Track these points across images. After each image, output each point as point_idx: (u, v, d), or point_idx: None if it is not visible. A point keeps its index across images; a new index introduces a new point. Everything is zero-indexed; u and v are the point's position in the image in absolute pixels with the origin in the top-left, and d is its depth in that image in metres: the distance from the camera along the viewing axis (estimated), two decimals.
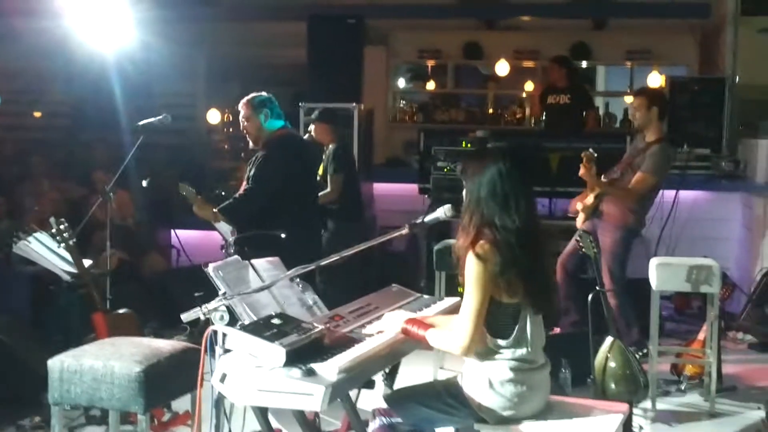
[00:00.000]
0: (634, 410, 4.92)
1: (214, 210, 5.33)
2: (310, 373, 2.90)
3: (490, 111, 12.25)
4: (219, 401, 3.29)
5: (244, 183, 5.47)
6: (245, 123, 5.54)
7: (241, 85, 11.21)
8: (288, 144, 5.55)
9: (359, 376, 3.16)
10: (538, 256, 3.41)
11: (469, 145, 7.94)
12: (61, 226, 5.07)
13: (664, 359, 5.77)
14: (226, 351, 3.12)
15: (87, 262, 5.28)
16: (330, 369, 2.94)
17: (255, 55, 11.88)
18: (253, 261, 3.81)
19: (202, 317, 3.20)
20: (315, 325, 3.23)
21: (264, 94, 5.59)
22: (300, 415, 3.83)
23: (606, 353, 4.96)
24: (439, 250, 6.15)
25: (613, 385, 4.89)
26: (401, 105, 12.51)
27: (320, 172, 7.10)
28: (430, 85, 12.55)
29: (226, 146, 12.23)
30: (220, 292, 3.35)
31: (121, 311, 5.30)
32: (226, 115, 12.08)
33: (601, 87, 13.57)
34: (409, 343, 3.47)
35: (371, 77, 9.80)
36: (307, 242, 5.42)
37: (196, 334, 5.71)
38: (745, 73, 9.64)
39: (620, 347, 4.97)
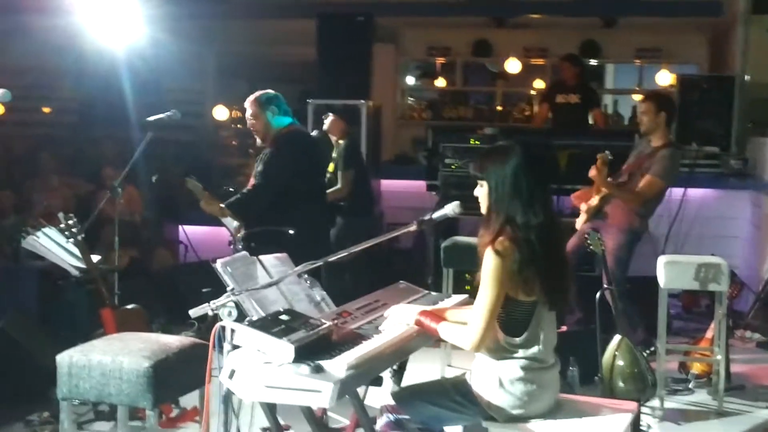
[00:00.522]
0: (643, 409, 4.92)
1: (221, 205, 5.34)
2: (318, 370, 2.90)
3: (499, 108, 12.25)
4: (227, 397, 3.29)
5: (252, 179, 5.48)
6: (253, 121, 5.54)
7: (250, 82, 11.24)
8: (295, 141, 5.55)
9: (367, 373, 3.16)
10: (557, 254, 3.41)
11: (477, 142, 7.93)
12: (70, 222, 5.08)
13: (672, 357, 5.76)
14: (235, 347, 3.12)
15: (95, 258, 5.30)
16: (338, 366, 2.94)
17: (264, 52, 11.90)
18: (261, 257, 3.81)
19: (210, 313, 3.20)
20: (323, 321, 3.23)
21: (270, 91, 5.59)
22: (308, 412, 3.84)
23: (614, 351, 4.96)
24: (447, 247, 6.15)
25: (621, 384, 4.89)
26: (410, 102, 12.52)
27: (331, 168, 7.11)
28: (439, 83, 12.54)
29: (234, 143, 12.27)
30: (228, 288, 3.35)
31: (129, 307, 5.30)
32: (234, 112, 12.10)
33: (610, 85, 13.54)
34: (417, 340, 3.47)
35: (380, 74, 9.79)
36: (315, 238, 5.43)
37: (204, 329, 5.74)
38: (755, 71, 9.61)
39: (628, 345, 4.97)
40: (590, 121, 9.48)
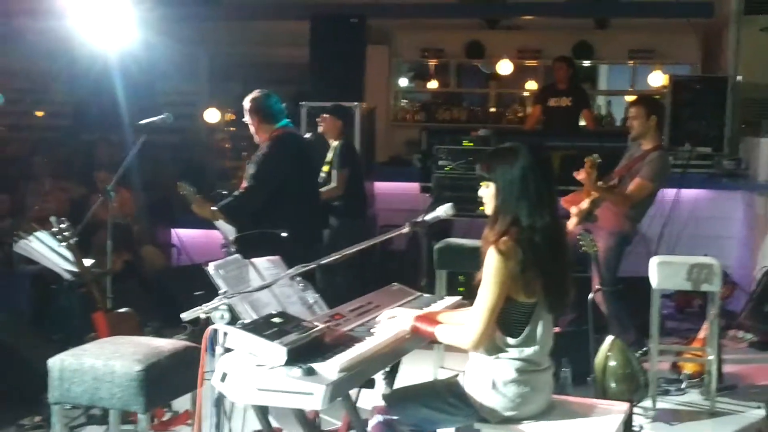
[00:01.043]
0: (635, 409, 4.92)
1: (213, 208, 5.34)
2: (311, 372, 2.90)
3: (492, 110, 12.27)
4: (219, 400, 3.29)
5: (244, 182, 5.48)
6: (249, 121, 5.56)
7: (243, 84, 11.22)
8: (288, 142, 5.56)
9: (359, 376, 3.15)
10: (560, 256, 3.40)
11: (471, 144, 7.94)
12: (62, 225, 5.07)
13: (664, 358, 5.78)
14: (227, 350, 3.12)
15: (88, 262, 5.29)
16: (330, 368, 2.94)
17: (257, 54, 11.89)
18: (254, 260, 3.81)
19: (203, 316, 3.20)
20: (315, 323, 3.23)
21: (265, 91, 5.60)
22: (300, 415, 3.83)
23: (606, 352, 4.96)
24: (440, 248, 6.15)
25: (613, 384, 4.90)
26: (403, 104, 12.53)
27: (326, 169, 7.10)
28: (432, 84, 12.57)
29: (227, 145, 12.26)
30: (221, 291, 3.35)
31: (121, 310, 5.29)
32: (227, 114, 12.08)
33: (603, 86, 13.57)
34: (409, 342, 3.46)
35: (373, 76, 9.80)
36: (308, 241, 5.43)
37: (197, 333, 5.70)
38: (748, 72, 9.63)
39: (620, 346, 4.97)
40: (581, 122, 9.51)
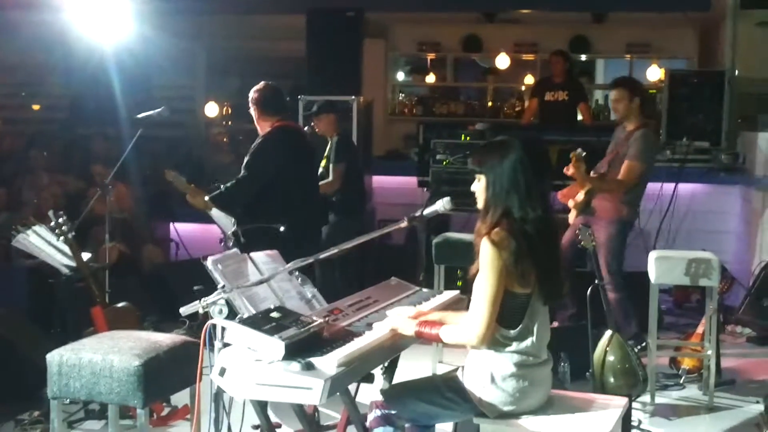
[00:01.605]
0: (633, 404, 4.92)
1: (206, 198, 5.32)
2: (309, 367, 2.90)
3: (490, 104, 12.26)
4: (218, 395, 3.29)
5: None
6: (252, 112, 5.57)
7: (241, 78, 11.21)
8: (284, 135, 5.54)
9: (358, 370, 3.16)
10: (552, 248, 3.42)
11: (468, 138, 7.93)
12: (60, 220, 5.06)
13: (662, 353, 5.77)
14: (225, 345, 3.12)
15: (86, 256, 5.28)
16: (329, 363, 2.94)
17: (254, 48, 11.87)
18: (252, 254, 3.80)
19: (201, 311, 3.20)
20: (314, 318, 3.23)
21: (269, 84, 5.60)
22: (299, 409, 3.83)
23: (605, 347, 4.97)
24: (438, 243, 6.15)
25: (611, 379, 4.90)
26: (400, 98, 12.52)
27: (323, 162, 7.09)
28: (430, 78, 12.55)
29: (225, 139, 12.23)
30: (219, 286, 3.35)
31: (120, 305, 5.29)
32: (225, 108, 12.07)
33: (600, 80, 13.55)
34: (408, 337, 3.46)
35: (370, 70, 9.79)
36: (307, 235, 5.42)
37: (195, 327, 5.72)
38: (745, 66, 9.63)
39: (619, 341, 4.97)
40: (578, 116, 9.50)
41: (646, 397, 5.27)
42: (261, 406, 3.50)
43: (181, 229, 8.46)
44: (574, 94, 9.32)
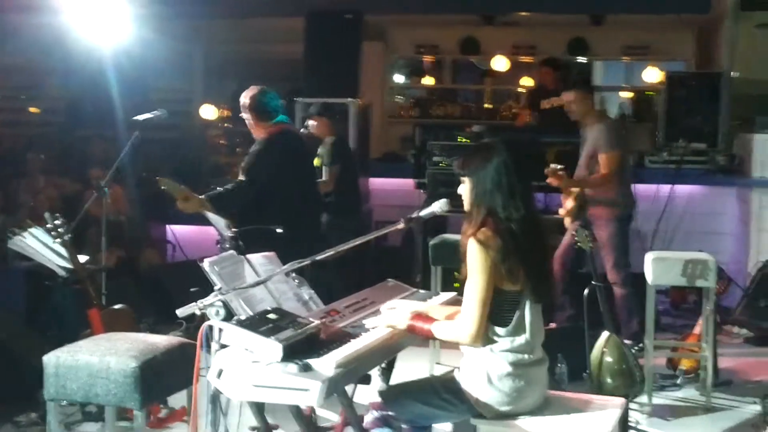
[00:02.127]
0: (631, 405, 4.93)
1: (201, 197, 5.29)
2: (307, 369, 2.90)
3: (487, 106, 12.26)
4: (215, 397, 3.29)
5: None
6: (246, 117, 5.56)
7: (238, 81, 11.18)
8: (282, 139, 5.54)
9: (355, 372, 3.16)
10: (539, 246, 3.45)
11: (465, 140, 7.94)
12: (57, 222, 5.05)
13: (660, 354, 5.77)
14: (222, 346, 3.12)
15: (83, 258, 5.27)
16: (326, 364, 2.94)
17: (252, 50, 11.86)
18: (249, 256, 3.81)
19: (198, 312, 3.20)
20: (311, 320, 3.23)
21: (262, 88, 5.59)
22: (296, 411, 3.83)
23: (602, 348, 4.96)
24: (435, 244, 6.15)
25: (609, 380, 4.90)
26: (398, 100, 12.51)
27: (317, 162, 7.08)
28: (427, 81, 12.54)
29: (222, 142, 12.23)
30: (216, 287, 3.35)
31: (116, 307, 5.27)
32: (222, 111, 12.06)
33: (598, 82, 13.54)
34: (405, 338, 3.47)
35: (368, 72, 9.77)
36: (304, 237, 5.41)
37: (192, 329, 5.72)
38: (742, 68, 9.64)
39: (616, 342, 4.98)
40: None
41: (643, 398, 5.27)
42: (258, 408, 3.50)
43: (177, 230, 8.46)
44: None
